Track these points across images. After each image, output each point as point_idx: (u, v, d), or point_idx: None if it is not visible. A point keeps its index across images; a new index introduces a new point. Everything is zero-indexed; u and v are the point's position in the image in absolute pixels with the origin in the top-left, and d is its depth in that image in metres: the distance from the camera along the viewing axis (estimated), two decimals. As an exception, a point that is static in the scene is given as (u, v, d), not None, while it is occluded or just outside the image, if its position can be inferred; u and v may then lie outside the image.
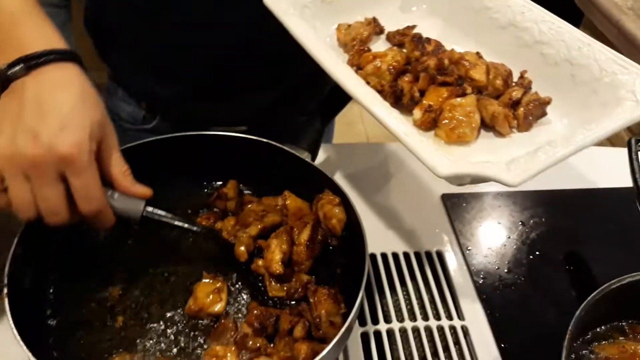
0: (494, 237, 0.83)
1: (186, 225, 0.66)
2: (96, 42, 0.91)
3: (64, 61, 0.54)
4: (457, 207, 0.86)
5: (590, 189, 0.91)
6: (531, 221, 0.86)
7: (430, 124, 0.61)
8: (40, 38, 0.53)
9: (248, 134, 0.74)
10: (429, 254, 0.78)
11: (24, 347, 0.53)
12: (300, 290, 0.64)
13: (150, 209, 0.62)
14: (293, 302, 0.65)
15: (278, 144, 0.72)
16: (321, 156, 0.86)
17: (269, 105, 0.92)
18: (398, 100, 0.63)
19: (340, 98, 0.62)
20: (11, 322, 0.54)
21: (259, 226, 0.69)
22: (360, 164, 0.91)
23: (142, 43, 0.85)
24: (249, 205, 0.73)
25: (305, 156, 0.72)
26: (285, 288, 0.66)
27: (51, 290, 0.65)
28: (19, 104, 0.51)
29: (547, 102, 0.62)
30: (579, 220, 0.87)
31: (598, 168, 0.96)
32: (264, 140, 0.72)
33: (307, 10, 0.70)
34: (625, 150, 0.74)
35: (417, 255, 0.78)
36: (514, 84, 0.66)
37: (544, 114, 0.63)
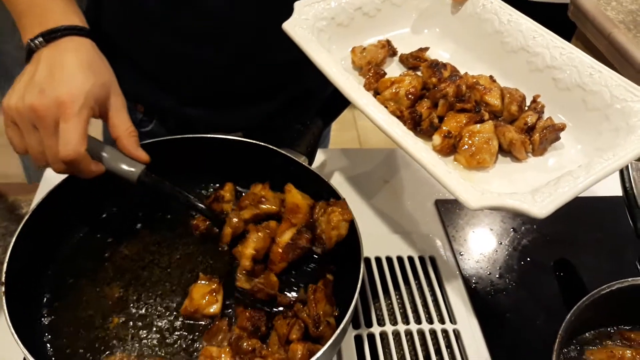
0: (486, 243, 0.84)
1: (189, 198, 0.67)
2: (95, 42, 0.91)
3: (79, 35, 0.62)
4: (450, 212, 0.87)
5: (581, 197, 0.92)
6: (522, 228, 0.87)
7: (449, 149, 0.63)
8: (62, 18, 0.62)
9: (244, 137, 0.75)
10: (422, 259, 0.79)
11: (21, 345, 0.53)
12: (263, 292, 0.63)
13: (150, 174, 0.64)
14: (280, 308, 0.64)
15: (276, 148, 0.73)
16: (318, 160, 0.87)
17: (267, 115, 0.93)
18: (417, 125, 0.65)
19: (340, 101, 0.63)
20: (8, 320, 0.54)
21: (254, 212, 0.69)
22: (356, 169, 0.92)
23: (141, 51, 0.86)
24: (253, 188, 0.72)
25: (303, 160, 0.73)
26: (251, 283, 0.64)
27: (47, 290, 0.66)
28: (34, 69, 0.59)
29: (562, 128, 0.63)
30: (570, 227, 0.88)
31: (589, 177, 0.97)
32: (262, 144, 0.73)
33: (323, 34, 0.71)
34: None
35: (411, 259, 0.79)
36: (526, 108, 0.67)
37: (558, 138, 0.64)
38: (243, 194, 0.78)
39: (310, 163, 0.75)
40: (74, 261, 0.69)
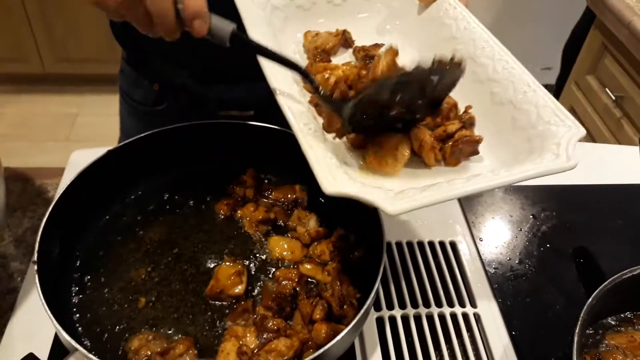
0: (505, 229, 0.85)
1: (282, 58, 0.61)
2: (112, 24, 0.93)
3: None
4: (470, 199, 0.87)
5: (600, 185, 0.93)
6: (542, 215, 0.87)
7: (359, 143, 0.61)
8: None
9: (255, 118, 0.75)
10: (442, 244, 0.80)
11: (54, 321, 0.55)
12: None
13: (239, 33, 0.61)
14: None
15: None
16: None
17: None
18: None
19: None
20: (41, 296, 0.56)
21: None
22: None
23: None
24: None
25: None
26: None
27: (77, 269, 0.68)
28: None
29: (478, 140, 0.60)
30: (589, 215, 0.88)
31: (608, 165, 0.97)
32: (280, 128, 0.74)
33: (279, 13, 0.69)
34: (634, 149, 0.75)
35: (431, 244, 0.80)
36: (458, 116, 0.65)
37: (475, 152, 0.61)
38: (265, 180, 0.79)
39: (331, 148, 0.76)
40: (101, 243, 0.71)
